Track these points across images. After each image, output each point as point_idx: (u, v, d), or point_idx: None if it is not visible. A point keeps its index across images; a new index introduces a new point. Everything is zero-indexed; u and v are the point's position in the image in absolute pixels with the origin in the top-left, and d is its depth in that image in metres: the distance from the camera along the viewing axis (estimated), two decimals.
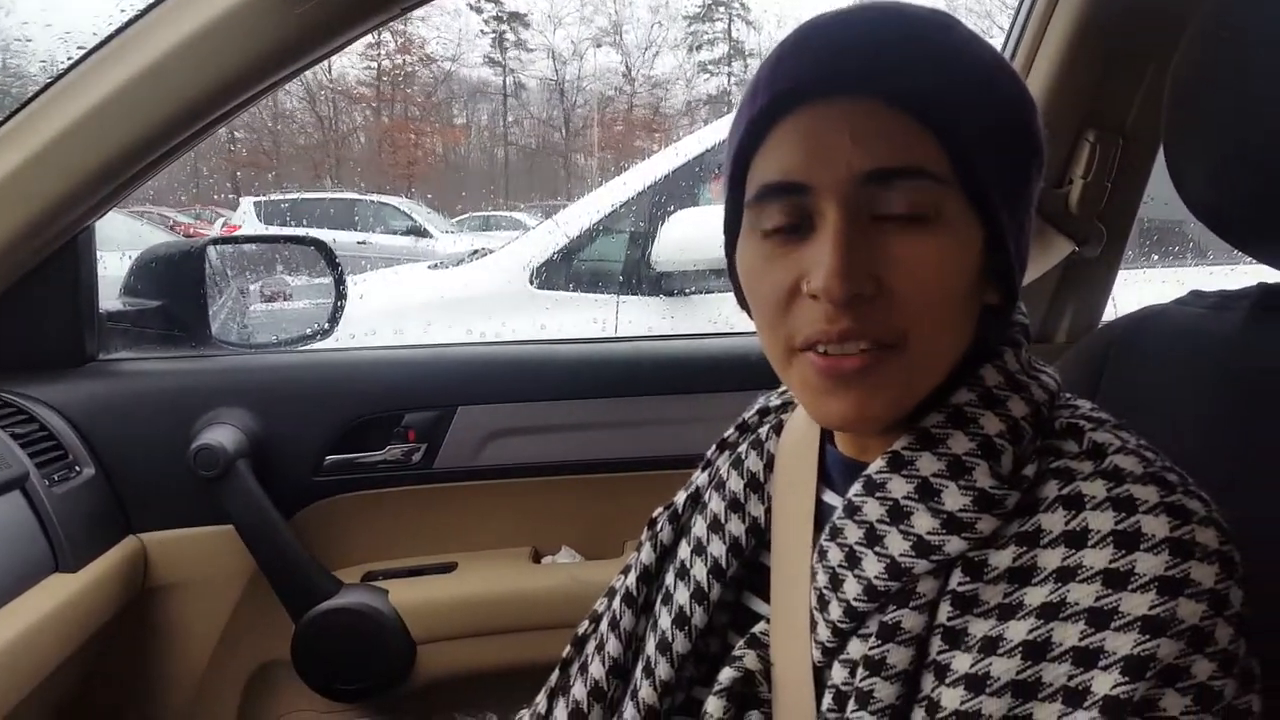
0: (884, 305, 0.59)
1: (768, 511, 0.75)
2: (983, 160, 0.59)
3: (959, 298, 0.61)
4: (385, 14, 1.14)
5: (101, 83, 1.12)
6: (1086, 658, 0.53)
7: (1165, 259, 3.35)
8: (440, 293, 3.35)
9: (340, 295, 1.67)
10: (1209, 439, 0.79)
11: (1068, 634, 0.54)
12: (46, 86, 1.14)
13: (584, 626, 0.88)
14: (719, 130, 3.12)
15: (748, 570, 0.76)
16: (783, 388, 0.85)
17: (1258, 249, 0.81)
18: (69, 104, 1.13)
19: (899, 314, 0.59)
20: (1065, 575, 0.56)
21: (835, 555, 0.64)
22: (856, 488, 0.64)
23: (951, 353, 0.63)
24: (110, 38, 1.12)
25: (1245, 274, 0.89)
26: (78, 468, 1.31)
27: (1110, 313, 1.59)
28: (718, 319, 2.71)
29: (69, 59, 1.14)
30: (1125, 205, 1.44)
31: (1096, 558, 0.55)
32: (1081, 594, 0.55)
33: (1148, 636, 0.52)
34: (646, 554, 0.83)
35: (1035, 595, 0.56)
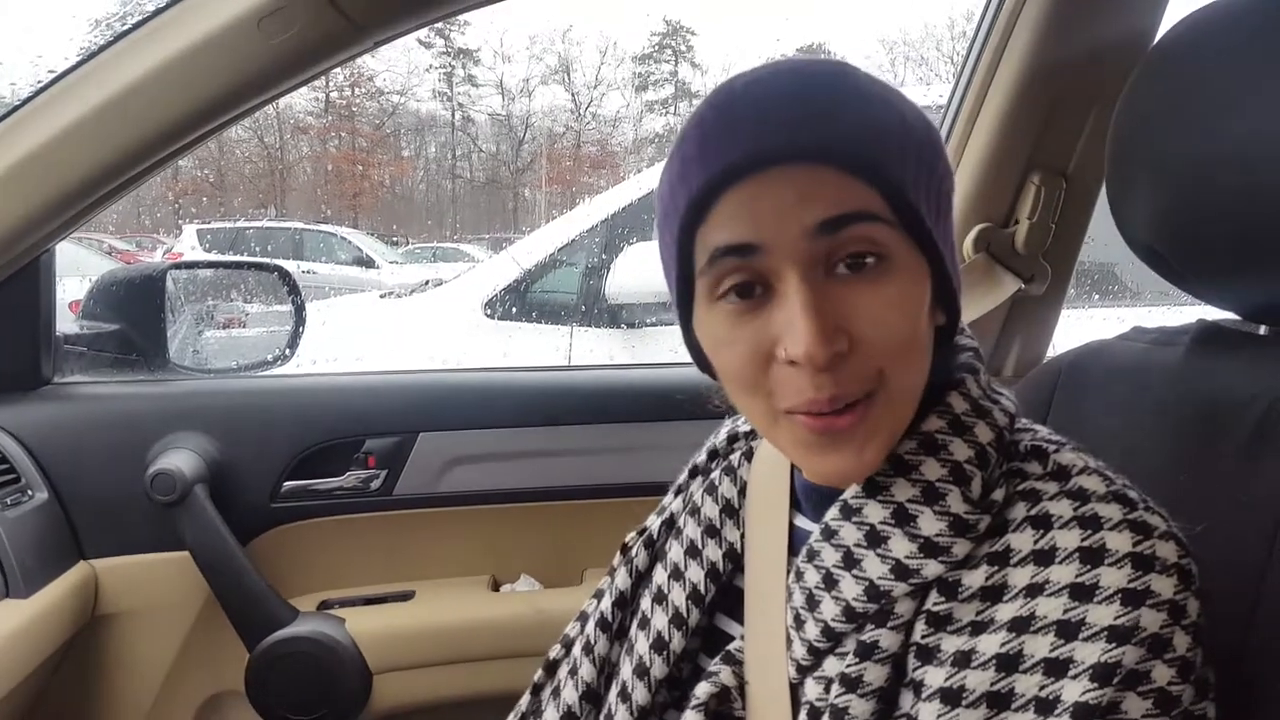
0: (861, 355, 0.60)
1: (742, 536, 0.77)
2: (915, 196, 0.61)
3: (921, 329, 0.64)
4: (358, 47, 1.16)
5: (72, 106, 1.12)
6: (1057, 668, 0.55)
7: (1104, 299, 3.46)
8: (393, 322, 3.33)
9: (300, 321, 1.67)
10: (1149, 468, 0.80)
11: (1038, 646, 0.56)
12: (15, 108, 1.14)
13: (555, 651, 0.89)
14: None
15: (721, 593, 0.78)
16: None
17: (1195, 286, 0.84)
18: (38, 126, 1.12)
19: (875, 360, 0.60)
20: (1034, 590, 0.58)
21: (812, 577, 0.66)
22: (833, 512, 0.66)
23: (922, 380, 0.65)
24: (83, 61, 1.12)
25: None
26: (30, 492, 1.29)
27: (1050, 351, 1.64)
28: (678, 349, 2.73)
29: (39, 82, 1.13)
30: (1068, 245, 1.49)
31: (1063, 573, 0.58)
32: (1050, 607, 0.57)
33: (1114, 645, 0.54)
34: (622, 579, 0.84)
35: (1006, 611, 0.59)
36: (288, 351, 1.64)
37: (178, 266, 1.71)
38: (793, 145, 0.59)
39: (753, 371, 0.63)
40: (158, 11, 1.10)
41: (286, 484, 1.43)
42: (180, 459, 1.33)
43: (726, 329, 0.63)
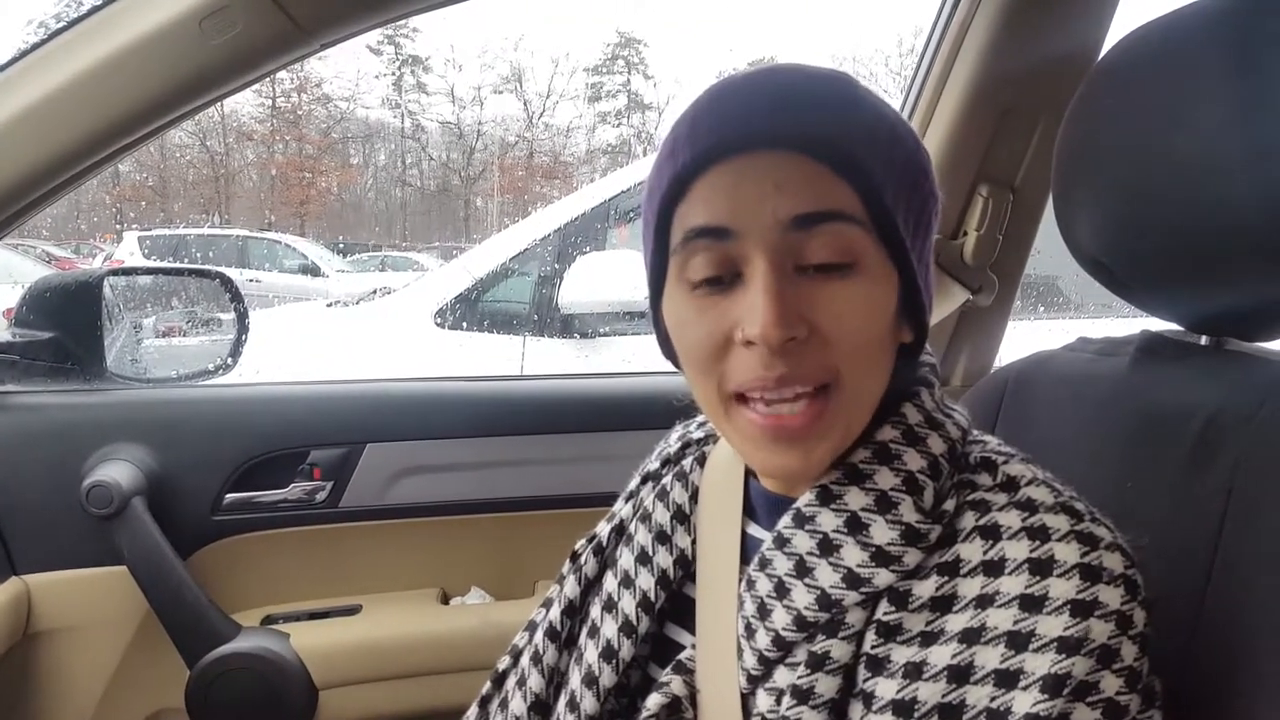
0: (817, 347, 0.61)
1: (694, 543, 0.76)
2: (894, 205, 0.62)
3: (882, 337, 0.64)
4: (304, 49, 1.13)
5: (2, 106, 1.08)
6: (1007, 679, 0.56)
7: (1049, 311, 3.54)
8: (340, 331, 3.29)
9: (243, 330, 1.63)
10: (1095, 477, 0.82)
11: (989, 657, 0.57)
12: None
13: (504, 662, 0.88)
14: (624, 178, 3.17)
15: (671, 601, 0.77)
16: (703, 418, 0.87)
17: (1139, 297, 0.86)
18: None
19: (831, 355, 0.61)
20: (984, 602, 0.58)
21: (764, 585, 0.66)
22: (786, 520, 0.66)
23: (879, 390, 0.66)
24: (15, 59, 1.08)
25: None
26: None
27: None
28: (630, 359, 2.74)
29: None
30: (1016, 256, 1.52)
31: (1013, 584, 0.58)
32: (1000, 618, 0.57)
33: (1064, 656, 0.55)
34: (570, 587, 0.83)
35: (956, 622, 0.59)
36: (230, 361, 1.60)
37: (115, 273, 1.67)
38: (776, 132, 0.60)
39: (710, 354, 0.63)
40: (95, 9, 1.07)
41: (229, 496, 1.39)
42: (117, 470, 1.29)
43: (692, 310, 0.64)
